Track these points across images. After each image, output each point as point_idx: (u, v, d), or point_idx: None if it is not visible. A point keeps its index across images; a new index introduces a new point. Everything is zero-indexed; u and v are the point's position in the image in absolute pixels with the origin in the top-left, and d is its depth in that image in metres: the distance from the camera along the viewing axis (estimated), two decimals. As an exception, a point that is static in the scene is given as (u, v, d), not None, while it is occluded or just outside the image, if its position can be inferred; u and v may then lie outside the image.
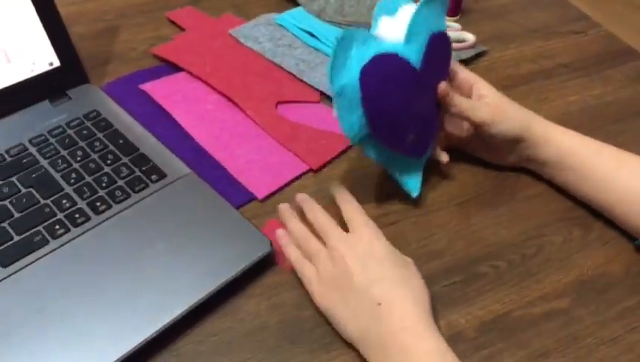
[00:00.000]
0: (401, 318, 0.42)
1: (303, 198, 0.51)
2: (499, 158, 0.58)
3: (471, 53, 0.74)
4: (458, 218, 0.55)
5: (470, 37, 0.74)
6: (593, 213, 0.56)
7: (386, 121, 0.49)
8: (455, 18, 0.80)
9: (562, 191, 0.57)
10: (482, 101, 0.54)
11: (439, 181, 0.58)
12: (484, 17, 0.81)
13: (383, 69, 0.48)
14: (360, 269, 0.44)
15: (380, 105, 0.48)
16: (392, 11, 0.51)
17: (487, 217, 0.55)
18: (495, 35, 0.78)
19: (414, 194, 0.55)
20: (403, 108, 0.50)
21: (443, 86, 0.52)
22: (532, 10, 0.84)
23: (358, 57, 0.47)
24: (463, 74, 0.56)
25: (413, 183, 0.55)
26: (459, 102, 0.53)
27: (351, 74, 0.47)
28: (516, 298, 0.49)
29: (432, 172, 0.58)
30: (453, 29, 0.76)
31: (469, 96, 0.55)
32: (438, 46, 0.52)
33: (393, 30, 0.49)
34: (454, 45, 0.73)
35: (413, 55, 0.49)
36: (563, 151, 0.54)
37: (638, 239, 0.52)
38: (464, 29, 0.76)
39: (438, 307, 0.47)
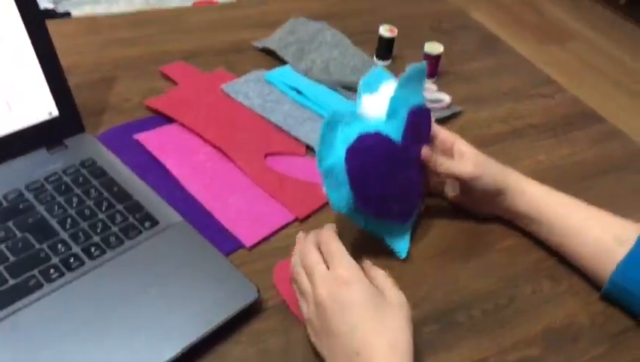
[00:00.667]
0: None
1: (299, 236, 0.52)
2: (478, 208, 0.62)
3: (447, 113, 0.78)
4: (436, 269, 0.58)
5: (446, 98, 0.79)
6: (562, 265, 0.59)
7: (372, 196, 0.53)
8: (432, 80, 0.85)
9: (533, 243, 0.61)
10: (465, 158, 0.58)
11: (419, 234, 0.61)
12: (459, 80, 0.87)
13: (367, 147, 0.52)
14: (339, 316, 0.45)
15: (366, 182, 0.52)
16: (373, 89, 0.56)
17: (463, 268, 0.58)
18: (469, 96, 0.83)
19: (402, 255, 0.58)
20: (387, 184, 0.54)
21: (425, 151, 0.57)
22: (503, 75, 0.90)
23: (344, 138, 0.51)
24: (443, 134, 0.60)
25: (401, 246, 0.58)
26: (442, 162, 0.57)
27: (337, 154, 0.51)
28: (491, 345, 0.52)
29: (413, 225, 0.61)
30: (431, 90, 0.81)
31: (449, 153, 0.59)
32: (418, 119, 0.56)
33: (375, 107, 0.54)
34: (432, 105, 0.78)
35: (395, 131, 0.54)
36: (536, 203, 0.58)
37: (605, 288, 0.55)
38: (440, 90, 0.81)
39: (418, 353, 0.49)
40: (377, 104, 0.54)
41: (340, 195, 0.51)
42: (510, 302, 0.56)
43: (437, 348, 0.51)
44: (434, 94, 0.80)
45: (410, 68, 0.55)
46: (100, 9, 2.01)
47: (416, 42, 0.91)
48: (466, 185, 0.58)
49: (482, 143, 0.74)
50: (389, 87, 0.55)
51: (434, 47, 0.83)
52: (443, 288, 0.56)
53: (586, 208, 0.58)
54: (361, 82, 0.57)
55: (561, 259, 0.60)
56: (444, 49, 0.83)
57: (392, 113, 0.54)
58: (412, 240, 0.60)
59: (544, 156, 0.75)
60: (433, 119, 0.60)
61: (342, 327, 0.45)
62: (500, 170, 0.59)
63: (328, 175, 0.51)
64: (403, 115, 0.55)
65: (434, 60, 0.83)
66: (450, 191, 0.63)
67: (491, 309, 0.55)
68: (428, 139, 0.59)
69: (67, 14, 1.82)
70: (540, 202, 0.58)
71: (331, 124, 0.51)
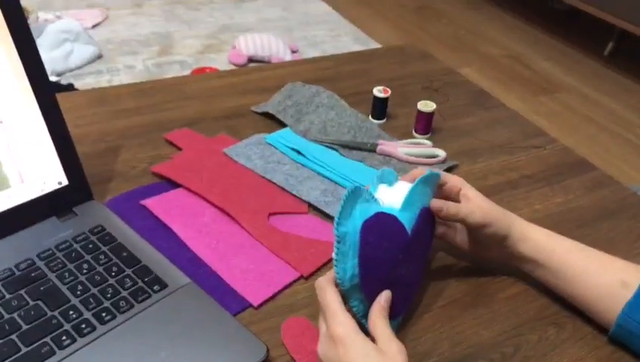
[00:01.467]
0: None
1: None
2: (485, 254, 0.63)
3: (443, 167, 0.81)
4: (442, 320, 0.59)
5: (441, 153, 0.82)
6: (566, 311, 0.60)
7: (377, 275, 0.53)
8: (427, 136, 0.88)
9: (536, 292, 0.62)
10: (475, 205, 0.59)
11: (423, 286, 0.62)
12: (454, 135, 0.90)
13: (383, 225, 0.53)
14: None
15: (375, 258, 0.52)
16: (388, 181, 0.58)
17: (468, 318, 0.59)
18: (464, 151, 0.86)
19: None
20: (393, 266, 0.54)
21: (436, 203, 0.58)
22: (496, 128, 0.93)
23: (362, 211, 0.53)
24: (452, 181, 0.62)
25: None
26: (456, 210, 0.58)
27: (354, 223, 0.52)
28: (500, 396, 0.52)
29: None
30: (426, 146, 0.84)
31: (456, 198, 0.61)
32: (426, 219, 0.58)
33: (390, 197, 0.56)
34: (427, 160, 0.81)
35: (407, 222, 0.55)
36: (539, 248, 0.59)
37: (611, 331, 0.56)
38: (435, 145, 0.84)
39: (428, 407, 0.50)
40: (391, 195, 0.56)
41: (346, 267, 0.51)
42: (516, 350, 0.56)
43: (447, 401, 0.51)
44: (429, 150, 0.83)
45: (429, 171, 0.59)
46: (103, 80, 2.08)
47: (409, 101, 0.95)
48: (474, 232, 0.60)
49: (480, 195, 0.77)
50: (403, 185, 0.58)
51: (427, 105, 0.86)
52: (449, 339, 0.57)
53: (590, 252, 0.59)
54: (376, 174, 0.59)
55: (564, 306, 0.61)
56: (437, 106, 0.87)
57: (407, 205, 0.55)
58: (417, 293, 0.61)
59: (540, 205, 0.77)
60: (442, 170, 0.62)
61: None
62: (504, 216, 0.61)
63: (341, 241, 0.51)
64: (416, 210, 0.56)
65: (427, 117, 0.87)
66: (458, 238, 0.64)
67: (498, 359, 0.55)
68: (430, 245, 0.61)
69: (71, 86, 1.88)
70: (544, 247, 0.59)
71: (355, 194, 0.53)
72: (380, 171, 0.59)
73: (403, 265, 0.55)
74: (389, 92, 0.89)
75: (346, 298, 0.52)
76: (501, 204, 0.75)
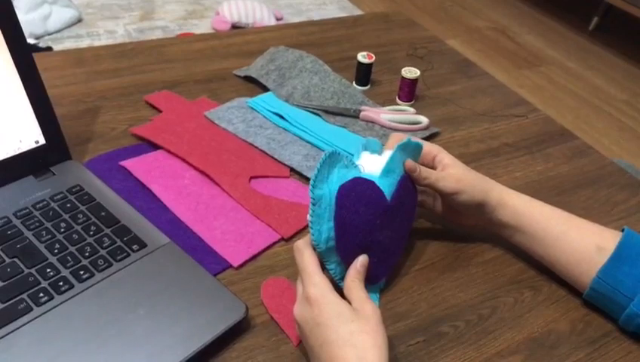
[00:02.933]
0: None
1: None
2: (462, 221, 0.64)
3: (425, 134, 0.81)
4: (420, 282, 0.59)
5: (424, 119, 0.82)
6: (542, 275, 0.61)
7: (353, 239, 0.53)
8: (410, 103, 0.88)
9: (513, 256, 0.63)
10: (448, 172, 0.60)
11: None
12: (436, 103, 0.90)
13: (360, 190, 0.53)
14: (309, 334, 0.47)
15: (350, 222, 0.52)
16: (372, 149, 0.58)
17: (446, 281, 0.60)
18: (446, 118, 0.86)
19: None
20: (370, 231, 0.53)
21: (410, 164, 0.58)
22: (478, 97, 0.93)
23: (340, 176, 0.53)
24: (426, 147, 0.62)
25: None
26: (428, 174, 0.59)
27: (330, 187, 0.52)
28: (475, 355, 0.53)
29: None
30: (409, 113, 0.84)
31: (432, 165, 0.61)
32: (408, 186, 0.58)
33: (371, 164, 0.56)
34: (410, 127, 0.81)
35: (386, 188, 0.55)
36: (518, 214, 0.60)
37: (585, 293, 0.57)
38: (418, 113, 0.84)
39: (404, 364, 0.51)
40: (375, 162, 0.56)
41: (321, 229, 0.51)
42: (492, 312, 0.57)
43: (423, 359, 0.52)
44: (412, 116, 0.83)
45: (410, 138, 0.58)
46: (83, 45, 2.03)
47: (393, 68, 0.95)
48: (448, 198, 0.60)
49: (461, 162, 0.77)
50: (387, 152, 0.57)
51: (410, 72, 0.86)
52: (427, 301, 0.58)
53: (567, 217, 0.60)
54: (363, 141, 0.59)
55: (541, 270, 0.62)
56: (421, 74, 0.86)
57: (387, 171, 0.55)
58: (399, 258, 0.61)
59: (520, 173, 0.77)
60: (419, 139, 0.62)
61: (314, 344, 0.47)
62: (482, 182, 0.61)
63: (316, 203, 0.51)
64: (396, 177, 0.56)
65: (411, 84, 0.86)
66: (435, 205, 0.64)
67: (474, 320, 0.56)
68: (413, 211, 0.60)
69: (49, 49, 1.84)
70: (522, 212, 0.60)
71: (332, 159, 0.52)
72: (365, 139, 0.59)
73: (382, 230, 0.54)
74: (374, 58, 0.88)
75: (322, 260, 0.52)
76: (481, 171, 0.76)
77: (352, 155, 0.57)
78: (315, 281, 0.49)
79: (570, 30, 2.80)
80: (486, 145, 0.82)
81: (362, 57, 0.88)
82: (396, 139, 0.59)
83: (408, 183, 0.58)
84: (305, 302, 0.48)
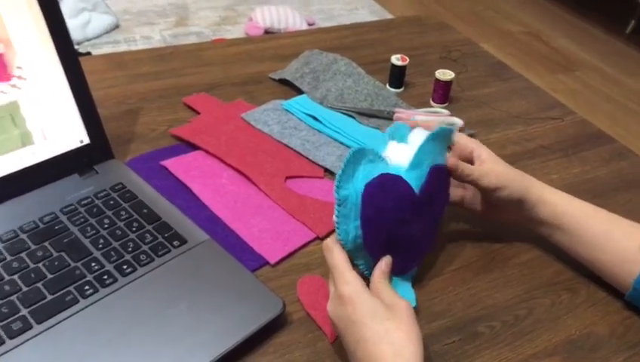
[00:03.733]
0: None
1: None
2: (501, 217, 0.63)
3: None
4: (455, 283, 0.60)
5: (459, 121, 0.82)
6: (579, 277, 0.61)
7: (380, 237, 0.52)
8: (444, 105, 0.88)
9: (551, 257, 0.62)
10: (489, 167, 0.58)
11: (438, 248, 0.63)
12: (471, 105, 0.90)
13: (387, 186, 0.52)
14: (345, 332, 0.47)
15: (378, 221, 0.52)
16: (399, 138, 0.57)
17: (481, 282, 0.60)
18: (481, 120, 0.86)
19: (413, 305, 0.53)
20: (398, 228, 0.53)
21: (452, 161, 0.57)
22: (513, 99, 0.93)
23: (365, 173, 0.51)
24: (463, 140, 0.61)
25: (406, 297, 0.53)
26: (469, 171, 0.58)
27: (355, 186, 0.51)
28: (511, 355, 0.53)
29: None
30: (443, 115, 0.84)
31: (469, 158, 0.60)
32: (438, 177, 0.57)
33: (399, 155, 0.55)
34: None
35: (415, 181, 0.54)
36: (558, 212, 0.59)
37: (627, 294, 0.56)
38: (452, 115, 0.84)
39: (440, 363, 0.51)
40: (402, 153, 0.55)
41: (348, 229, 0.51)
42: (529, 313, 0.57)
43: (459, 359, 0.52)
44: (446, 118, 0.83)
45: (440, 127, 0.57)
46: (120, 50, 2.08)
47: (427, 70, 0.95)
48: (488, 194, 0.59)
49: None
50: (415, 140, 0.56)
51: (445, 74, 0.86)
52: (462, 301, 0.58)
53: (610, 216, 0.59)
54: (388, 130, 0.58)
55: (579, 272, 0.61)
56: (455, 76, 0.86)
57: (415, 164, 0.54)
58: (430, 256, 0.62)
59: (556, 175, 0.77)
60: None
61: (350, 341, 0.47)
62: (522, 178, 0.60)
63: (342, 204, 0.50)
64: (425, 168, 0.55)
65: (445, 86, 0.86)
66: (473, 201, 0.63)
67: (511, 321, 0.56)
68: (445, 201, 0.60)
69: (88, 54, 1.89)
70: (562, 210, 0.59)
71: (356, 156, 0.51)
72: (392, 126, 0.58)
73: (411, 224, 0.54)
74: (407, 60, 0.88)
75: (351, 257, 0.52)
76: (517, 172, 0.76)
77: (379, 148, 0.56)
78: (347, 279, 0.49)
79: (606, 33, 2.75)
80: (521, 147, 0.82)
81: (396, 60, 0.88)
82: (432, 123, 0.58)
83: (439, 173, 0.57)
84: (338, 301, 0.49)
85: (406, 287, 0.56)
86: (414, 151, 0.54)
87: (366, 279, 0.52)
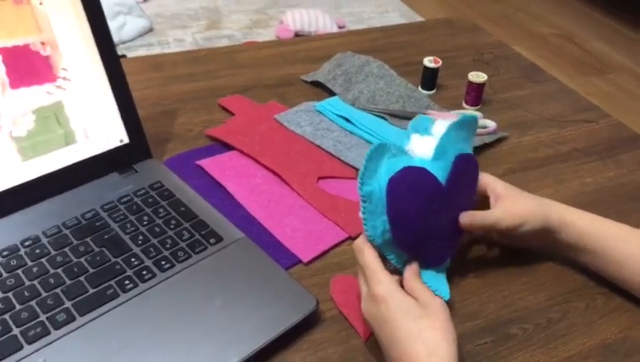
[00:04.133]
0: None
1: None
2: (523, 245, 0.61)
3: (493, 138, 0.81)
4: (488, 284, 0.60)
5: (491, 123, 0.82)
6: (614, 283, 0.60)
7: (409, 230, 0.51)
8: (477, 107, 0.88)
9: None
10: (504, 208, 0.56)
11: (471, 250, 0.63)
12: (504, 108, 0.89)
13: (411, 179, 0.51)
14: (378, 330, 0.48)
15: (404, 214, 0.51)
16: (422, 130, 0.56)
17: (514, 284, 0.60)
18: (514, 123, 0.86)
19: (446, 298, 0.52)
20: (426, 220, 0.52)
21: (466, 219, 0.56)
22: (547, 102, 0.92)
23: (388, 167, 0.51)
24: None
25: (441, 288, 0.54)
26: (485, 219, 0.56)
27: (379, 181, 0.50)
28: (544, 358, 0.53)
29: (460, 245, 0.61)
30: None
31: (483, 193, 0.59)
32: (464, 166, 0.55)
33: (422, 147, 0.54)
34: (478, 131, 0.81)
35: (440, 172, 0.53)
36: (583, 234, 0.57)
37: None
38: (485, 117, 0.84)
39: (472, 364, 0.51)
40: (426, 145, 0.54)
41: (376, 224, 0.50)
42: (563, 316, 0.57)
43: (491, 360, 0.52)
44: (479, 121, 0.83)
45: (463, 115, 0.56)
46: (154, 52, 2.12)
47: (459, 73, 0.95)
48: (509, 233, 0.57)
49: (529, 166, 0.77)
50: (438, 130, 0.55)
51: (478, 76, 0.86)
52: (495, 303, 0.58)
53: (636, 235, 0.57)
54: (410, 123, 0.57)
55: (612, 276, 0.60)
56: (487, 78, 0.86)
57: (438, 154, 0.53)
58: (461, 257, 0.62)
59: (590, 178, 0.76)
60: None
61: (384, 340, 0.47)
62: (540, 207, 0.58)
63: (367, 200, 0.50)
64: (450, 158, 0.54)
65: (478, 89, 0.86)
66: (495, 235, 0.61)
67: (544, 323, 0.56)
68: (473, 191, 0.59)
69: (123, 57, 1.94)
70: (587, 232, 0.57)
71: (378, 151, 0.51)
72: (414, 119, 0.57)
73: (440, 214, 0.53)
74: (440, 62, 0.88)
75: (381, 252, 0.52)
76: (550, 176, 0.76)
77: (402, 143, 0.55)
78: (379, 279, 0.49)
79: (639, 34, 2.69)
80: (555, 150, 0.81)
81: (428, 62, 0.89)
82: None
83: (465, 161, 0.56)
84: (371, 300, 0.49)
85: (440, 280, 0.55)
86: (437, 142, 0.54)
87: (399, 273, 0.52)
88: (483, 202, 0.59)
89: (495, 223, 0.56)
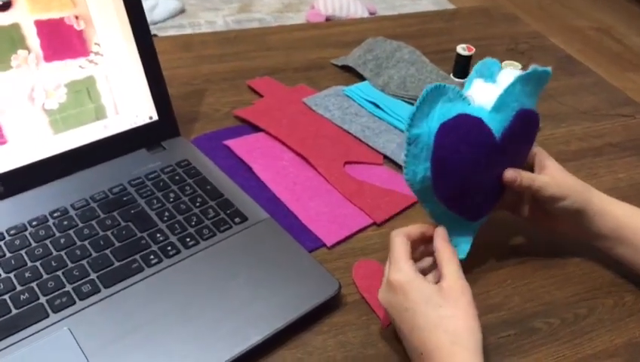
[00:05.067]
0: None
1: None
2: (554, 227, 0.59)
3: (524, 129, 0.79)
4: (514, 277, 0.58)
5: (524, 114, 0.80)
6: (644, 280, 0.59)
7: (451, 181, 0.50)
8: (509, 97, 0.86)
9: (614, 259, 0.60)
10: (551, 176, 0.55)
11: (497, 240, 0.62)
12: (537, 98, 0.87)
13: (463, 129, 0.49)
14: (399, 319, 0.47)
15: (449, 165, 0.49)
16: (487, 76, 0.53)
17: (540, 278, 0.59)
18: (547, 114, 0.84)
19: (462, 257, 0.52)
20: (471, 174, 0.50)
21: (509, 173, 0.53)
22: (582, 95, 0.90)
23: (442, 112, 0.48)
24: None
25: (462, 246, 0.54)
26: (531, 181, 0.54)
27: (430, 125, 0.48)
28: (569, 354, 0.52)
29: (487, 234, 0.59)
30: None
31: (530, 161, 0.57)
32: (523, 124, 0.52)
33: (484, 95, 0.50)
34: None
35: (497, 125, 0.50)
36: (622, 225, 0.55)
37: None
38: (518, 107, 0.82)
39: (494, 357, 0.50)
40: (488, 93, 0.50)
41: (417, 169, 0.48)
42: (590, 312, 0.55)
43: (514, 352, 0.51)
44: (511, 111, 0.81)
45: (533, 68, 0.52)
46: (185, 34, 2.13)
47: (493, 61, 0.93)
48: (545, 204, 0.56)
49: (561, 159, 0.73)
50: (504, 79, 0.52)
51: (512, 65, 0.84)
52: (520, 295, 0.57)
53: None
54: (475, 66, 0.54)
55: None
56: (521, 68, 0.84)
57: (499, 106, 0.50)
58: (487, 250, 0.60)
59: (624, 174, 0.74)
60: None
61: (403, 328, 0.47)
62: (582, 188, 0.56)
63: (412, 143, 0.48)
64: (510, 112, 0.50)
65: (511, 78, 0.84)
66: (522, 207, 0.59)
67: (570, 319, 0.55)
68: (527, 150, 0.56)
69: (154, 36, 1.94)
70: (627, 223, 0.55)
71: (433, 94, 0.47)
72: (479, 63, 0.54)
73: (487, 170, 0.51)
74: (473, 50, 0.87)
75: (419, 199, 0.51)
76: (582, 170, 0.74)
77: (464, 87, 0.52)
78: (399, 267, 0.48)
79: (683, 31, 2.60)
80: (588, 143, 0.79)
81: (462, 50, 0.87)
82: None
83: (527, 119, 0.52)
84: (388, 288, 0.48)
85: (464, 237, 0.53)
86: (500, 93, 0.50)
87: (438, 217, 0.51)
88: (528, 170, 0.56)
89: (540, 188, 0.54)
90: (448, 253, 0.49)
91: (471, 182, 0.51)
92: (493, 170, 0.52)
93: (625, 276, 0.59)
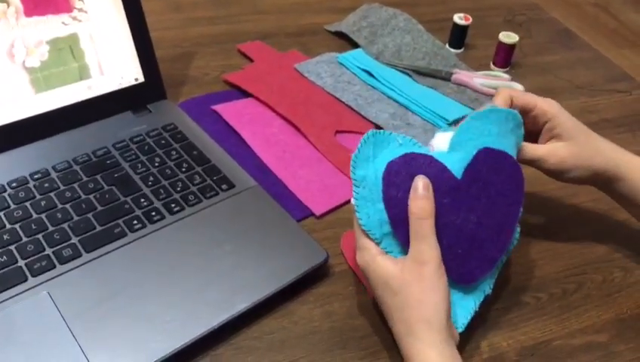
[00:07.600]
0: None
1: None
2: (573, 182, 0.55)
3: (519, 102, 0.77)
4: (502, 250, 0.58)
5: (519, 87, 0.78)
6: (634, 257, 0.58)
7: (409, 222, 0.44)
8: (505, 69, 0.84)
9: (606, 234, 0.60)
10: (554, 147, 0.52)
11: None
12: (533, 72, 0.86)
13: (413, 164, 0.45)
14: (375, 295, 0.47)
15: (404, 203, 0.44)
16: (446, 128, 0.50)
17: (530, 252, 0.58)
18: (542, 88, 0.82)
19: (459, 330, 0.46)
20: (435, 215, 0.44)
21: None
22: (578, 69, 0.88)
23: (390, 152, 0.46)
24: (540, 105, 0.53)
25: (459, 320, 0.47)
26: (531, 153, 0.51)
27: (376, 165, 0.45)
28: (556, 328, 0.51)
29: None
30: (503, 79, 0.80)
31: (539, 122, 0.53)
32: (492, 164, 0.46)
33: (442, 141, 0.48)
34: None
35: (456, 164, 0.46)
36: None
37: None
38: (513, 80, 0.80)
39: (482, 329, 0.50)
40: (446, 139, 0.48)
41: (370, 211, 0.45)
42: (578, 288, 0.55)
43: (501, 327, 0.51)
44: (506, 83, 0.79)
45: (490, 107, 0.49)
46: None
47: (490, 33, 0.91)
48: (554, 176, 0.54)
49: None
50: (444, 138, 0.48)
51: (509, 37, 0.82)
52: (509, 269, 0.56)
53: None
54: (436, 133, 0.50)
55: (634, 251, 0.58)
56: (518, 40, 0.82)
57: (455, 143, 0.46)
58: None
59: (618, 150, 0.73)
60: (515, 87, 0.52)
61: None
62: (596, 154, 0.53)
63: (360, 185, 0.45)
64: (471, 150, 0.46)
65: (508, 50, 0.82)
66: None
67: (559, 293, 0.54)
68: (512, 197, 0.48)
69: None
70: None
71: (377, 137, 0.46)
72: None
73: (457, 212, 0.45)
74: (470, 20, 0.85)
75: (385, 251, 0.46)
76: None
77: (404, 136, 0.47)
78: (360, 244, 0.46)
79: (680, 10, 2.58)
80: (583, 118, 0.76)
81: (459, 19, 0.85)
82: (503, 95, 0.51)
83: (496, 159, 0.47)
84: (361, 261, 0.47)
85: (461, 303, 0.47)
86: (454, 132, 0.47)
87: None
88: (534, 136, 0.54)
89: (540, 161, 0.52)
90: (425, 213, 0.44)
91: (441, 225, 0.44)
92: (465, 212, 0.45)
93: (615, 252, 0.59)
